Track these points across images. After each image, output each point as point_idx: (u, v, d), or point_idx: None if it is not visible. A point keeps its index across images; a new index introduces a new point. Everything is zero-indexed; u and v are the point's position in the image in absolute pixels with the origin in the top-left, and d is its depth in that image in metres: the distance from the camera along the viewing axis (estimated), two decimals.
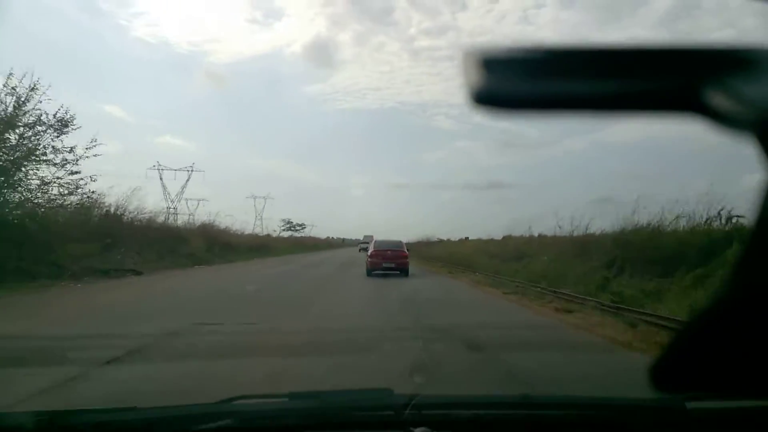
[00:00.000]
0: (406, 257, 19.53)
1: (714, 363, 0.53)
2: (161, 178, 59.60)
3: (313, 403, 2.16)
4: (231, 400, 2.08)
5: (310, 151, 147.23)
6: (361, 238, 36.78)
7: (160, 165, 59.10)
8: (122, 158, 66.45)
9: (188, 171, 59.05)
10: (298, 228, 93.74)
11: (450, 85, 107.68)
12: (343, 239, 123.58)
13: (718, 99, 0.46)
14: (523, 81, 0.49)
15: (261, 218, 77.94)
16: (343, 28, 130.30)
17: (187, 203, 59.25)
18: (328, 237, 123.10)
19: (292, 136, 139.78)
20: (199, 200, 61.32)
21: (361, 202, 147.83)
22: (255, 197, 79.88)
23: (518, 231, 29.77)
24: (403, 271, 18.90)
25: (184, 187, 58.26)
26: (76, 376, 4.53)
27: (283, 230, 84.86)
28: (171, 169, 58.39)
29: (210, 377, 4.64)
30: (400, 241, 21.16)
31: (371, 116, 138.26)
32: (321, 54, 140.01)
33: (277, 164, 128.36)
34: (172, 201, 56.10)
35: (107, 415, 2.06)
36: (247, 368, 5.06)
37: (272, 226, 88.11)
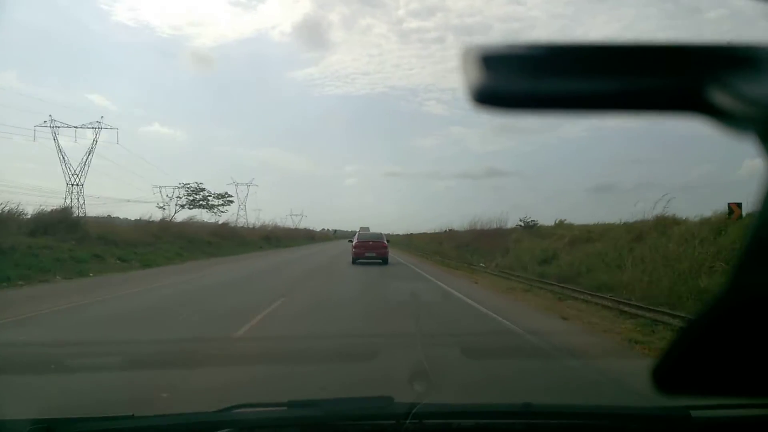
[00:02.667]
0: (385, 247, 22.56)
1: (717, 364, 0.52)
2: (56, 139, 41.50)
3: (312, 411, 2.15)
4: (230, 408, 2.07)
5: (300, 139, 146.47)
6: (356, 229, 32.52)
7: (53, 120, 40.66)
8: (108, 149, 60.10)
9: (95, 128, 41.43)
10: (213, 201, 46.53)
11: (440, 69, 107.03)
12: (335, 231, 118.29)
13: (719, 97, 0.45)
14: (524, 79, 0.49)
15: (244, 207, 65.96)
16: (330, 9, 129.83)
17: (161, 191, 46.70)
18: (324, 229, 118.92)
19: (281, 123, 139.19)
20: (174, 188, 47.00)
21: (354, 191, 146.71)
22: (237, 184, 66.75)
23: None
24: (383, 260, 21.92)
25: (90, 152, 41.90)
26: None
27: (182, 205, 43.95)
28: (70, 126, 41.05)
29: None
30: (381, 234, 24.84)
31: (361, 102, 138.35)
32: (307, 37, 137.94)
33: (267, 153, 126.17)
34: (75, 175, 41.45)
35: (104, 423, 2.05)
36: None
37: (250, 215, 71.56)
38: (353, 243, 22.98)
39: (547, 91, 0.49)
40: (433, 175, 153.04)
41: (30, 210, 20.27)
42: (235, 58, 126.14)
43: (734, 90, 0.45)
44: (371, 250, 21.98)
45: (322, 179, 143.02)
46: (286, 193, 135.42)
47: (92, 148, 41.96)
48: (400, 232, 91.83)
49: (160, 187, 47.77)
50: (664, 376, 0.54)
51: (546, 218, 26.93)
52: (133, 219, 33.54)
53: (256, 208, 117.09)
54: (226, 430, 1.87)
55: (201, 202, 44.73)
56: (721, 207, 13.48)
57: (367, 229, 30.47)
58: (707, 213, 13.90)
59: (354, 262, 21.57)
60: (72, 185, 41.40)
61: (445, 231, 43.39)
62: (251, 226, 54.84)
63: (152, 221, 31.58)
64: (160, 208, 41.65)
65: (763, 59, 0.46)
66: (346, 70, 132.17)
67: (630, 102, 0.49)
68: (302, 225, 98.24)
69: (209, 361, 5.36)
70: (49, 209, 21.09)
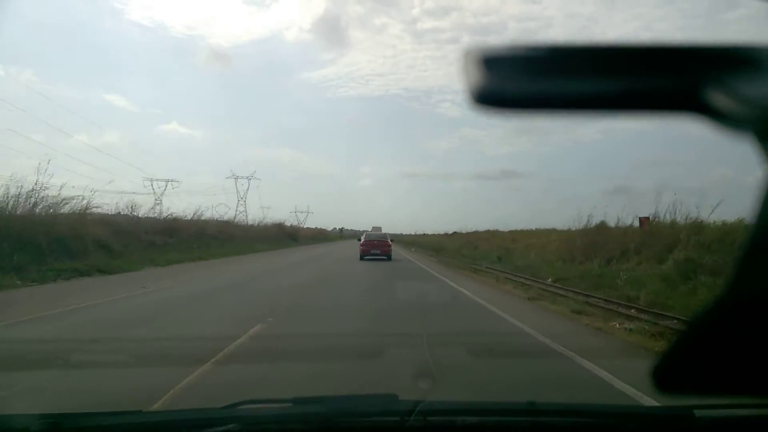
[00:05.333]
0: (389, 246, 25.91)
1: (717, 364, 0.52)
2: None
3: (317, 408, 2.16)
4: (236, 405, 2.08)
5: (316, 140, 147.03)
6: (369, 229, 34.67)
7: None
8: (127, 149, 58.07)
9: None
10: None
11: (454, 70, 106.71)
12: (341, 229, 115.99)
13: (718, 98, 0.45)
14: (524, 80, 0.49)
15: (244, 202, 61.37)
16: (344, 8, 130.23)
17: (152, 184, 45.65)
18: (335, 228, 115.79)
19: (296, 124, 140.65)
20: (167, 181, 47.74)
21: (370, 192, 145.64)
22: (237, 177, 62.20)
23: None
24: (387, 256, 24.94)
25: None
26: None
27: None
28: None
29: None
30: (385, 234, 28.97)
31: (376, 103, 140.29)
32: (322, 37, 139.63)
33: (282, 153, 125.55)
34: None
35: (113, 418, 2.06)
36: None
37: (254, 212, 63.12)
38: (360, 242, 26.68)
39: (547, 93, 0.50)
40: (449, 176, 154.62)
41: None
42: (250, 59, 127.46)
43: (732, 90, 0.45)
44: (376, 248, 25.23)
45: (337, 180, 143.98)
46: (301, 193, 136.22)
47: None
48: (420, 232, 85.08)
49: (152, 180, 41.39)
50: (665, 376, 0.54)
51: (559, 219, 22.34)
52: None
53: (265, 206, 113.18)
54: (232, 426, 1.88)
55: None
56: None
57: (379, 228, 33.12)
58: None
59: (362, 258, 24.44)
60: None
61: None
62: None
63: None
64: None
65: (761, 60, 0.46)
66: (361, 71, 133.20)
67: (629, 103, 0.49)
68: (311, 224, 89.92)
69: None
70: None
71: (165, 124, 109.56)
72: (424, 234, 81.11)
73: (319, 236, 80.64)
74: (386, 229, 32.97)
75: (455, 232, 53.45)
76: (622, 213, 19.73)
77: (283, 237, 52.39)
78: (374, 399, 2.28)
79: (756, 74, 0.45)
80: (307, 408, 2.18)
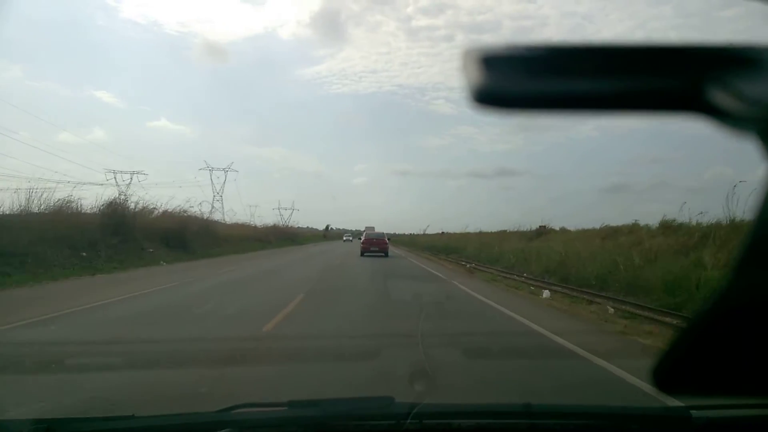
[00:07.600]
0: (386, 243, 29.20)
1: (717, 363, 0.52)
2: None
3: (313, 411, 2.15)
4: (231, 408, 2.06)
5: (308, 137, 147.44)
6: (361, 228, 36.55)
7: None
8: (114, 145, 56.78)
9: None
10: None
11: (449, 67, 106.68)
12: (327, 227, 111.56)
13: (720, 97, 0.45)
14: (524, 80, 0.49)
15: (220, 197, 54.71)
16: (338, 6, 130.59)
17: (115, 176, 39.85)
18: (328, 227, 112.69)
19: (288, 122, 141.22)
20: (132, 173, 41.01)
21: (363, 190, 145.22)
22: (212, 169, 54.36)
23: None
24: (384, 253, 27.90)
25: None
26: None
27: None
28: None
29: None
30: (383, 233, 31.79)
31: (369, 100, 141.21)
32: (316, 34, 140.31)
33: (273, 152, 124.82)
34: None
35: (105, 423, 2.04)
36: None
37: (235, 207, 53.45)
38: (361, 240, 30.17)
39: (547, 92, 0.49)
40: (444, 173, 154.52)
41: None
42: (243, 56, 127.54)
43: (734, 90, 0.45)
44: (375, 246, 28.12)
45: (328, 177, 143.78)
46: (290, 191, 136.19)
47: None
48: (412, 231, 76.53)
49: (115, 172, 35.99)
50: (665, 376, 0.54)
51: (559, 218, 21.76)
52: None
53: (252, 203, 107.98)
54: (227, 430, 1.87)
55: None
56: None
57: (373, 228, 35.66)
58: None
59: (362, 254, 27.26)
60: None
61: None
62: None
63: None
64: None
65: (763, 59, 0.46)
66: (354, 68, 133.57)
67: (630, 102, 0.49)
68: (300, 222, 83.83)
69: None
70: None
71: (154, 120, 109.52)
72: (442, 233, 55.81)
73: (266, 237, 46.23)
74: (379, 228, 36.41)
75: (542, 229, 26.69)
76: None
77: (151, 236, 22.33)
78: (370, 402, 2.27)
79: (758, 74, 0.45)
80: (303, 411, 2.17)
